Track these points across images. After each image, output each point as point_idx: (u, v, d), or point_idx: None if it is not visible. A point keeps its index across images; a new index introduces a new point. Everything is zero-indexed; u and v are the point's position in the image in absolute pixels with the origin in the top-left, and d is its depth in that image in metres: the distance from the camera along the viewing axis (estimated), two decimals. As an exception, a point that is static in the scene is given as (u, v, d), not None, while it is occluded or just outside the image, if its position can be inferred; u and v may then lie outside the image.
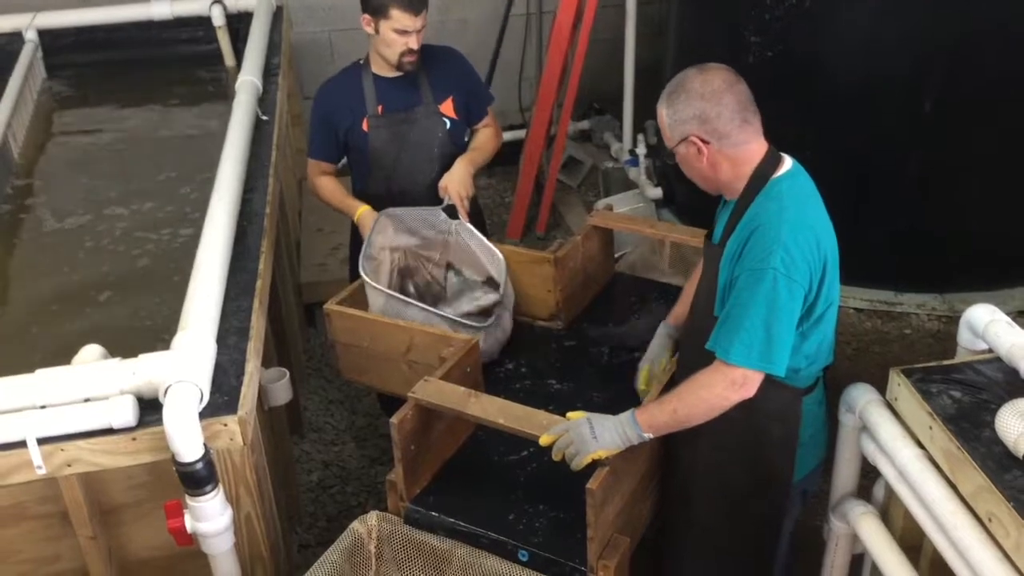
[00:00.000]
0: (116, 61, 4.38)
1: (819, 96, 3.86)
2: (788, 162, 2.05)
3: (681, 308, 2.41)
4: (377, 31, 2.79)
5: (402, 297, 2.62)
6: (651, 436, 1.99)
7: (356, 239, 2.96)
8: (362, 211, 2.87)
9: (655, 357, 2.39)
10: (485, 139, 3.03)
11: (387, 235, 2.78)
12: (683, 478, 2.22)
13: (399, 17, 2.73)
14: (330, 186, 3.01)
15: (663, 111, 2.03)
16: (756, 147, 2.02)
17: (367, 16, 2.80)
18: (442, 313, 2.56)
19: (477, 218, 3.01)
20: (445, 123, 2.93)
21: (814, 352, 2.07)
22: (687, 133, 2.00)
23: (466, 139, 3.02)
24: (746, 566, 2.26)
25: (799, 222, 1.95)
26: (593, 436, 1.96)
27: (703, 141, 1.99)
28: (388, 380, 2.60)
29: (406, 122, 2.91)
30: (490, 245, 2.78)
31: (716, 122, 1.97)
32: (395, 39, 2.77)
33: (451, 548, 2.11)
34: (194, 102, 4.06)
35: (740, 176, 2.02)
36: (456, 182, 2.84)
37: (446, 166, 2.92)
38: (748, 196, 2.02)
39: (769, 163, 2.02)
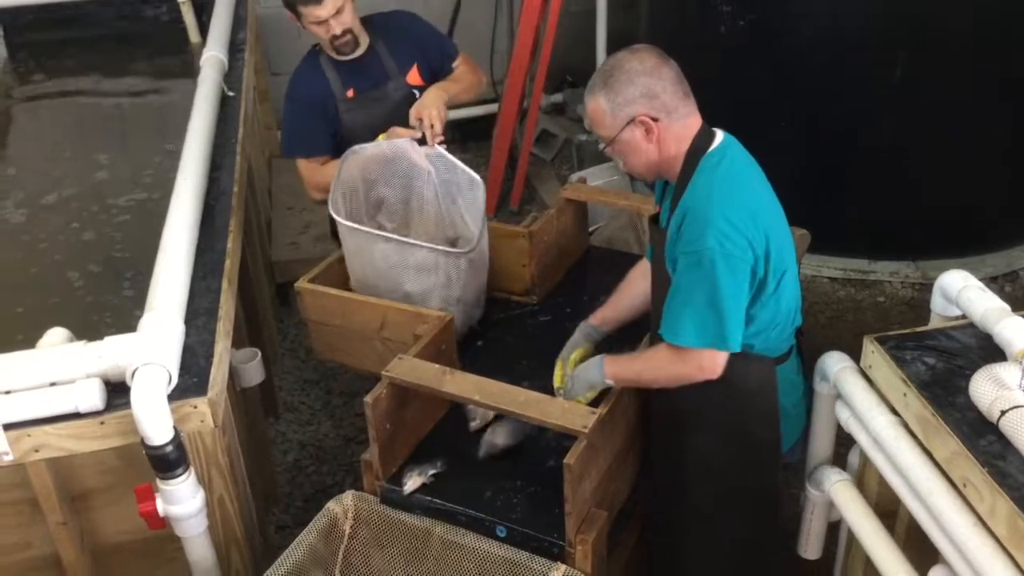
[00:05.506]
0: (79, 38, 4.31)
1: (791, 65, 3.84)
2: (720, 136, 2.02)
3: (608, 312, 2.36)
4: (303, 26, 2.77)
5: (368, 230, 2.48)
6: (612, 384, 2.07)
7: None
8: None
9: (566, 356, 2.32)
10: (460, 72, 2.93)
11: (354, 172, 2.62)
12: (676, 470, 2.18)
13: (306, 12, 2.71)
14: (332, 172, 2.68)
15: (600, 99, 1.96)
16: (694, 121, 2.00)
17: (290, 13, 2.77)
18: (414, 242, 2.45)
19: None
20: (415, 94, 2.87)
21: (781, 321, 2.06)
22: (634, 114, 1.94)
23: None
24: (751, 545, 2.22)
25: (728, 200, 1.92)
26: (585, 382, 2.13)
27: (652, 119, 1.94)
28: (362, 358, 2.57)
29: (378, 100, 2.86)
30: (469, 171, 2.64)
31: (664, 96, 1.94)
32: (316, 30, 2.75)
33: (428, 526, 2.09)
34: (159, 79, 3.98)
35: (682, 153, 1.99)
36: (428, 106, 2.67)
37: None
38: (686, 176, 1.99)
39: (702, 139, 1.99)
